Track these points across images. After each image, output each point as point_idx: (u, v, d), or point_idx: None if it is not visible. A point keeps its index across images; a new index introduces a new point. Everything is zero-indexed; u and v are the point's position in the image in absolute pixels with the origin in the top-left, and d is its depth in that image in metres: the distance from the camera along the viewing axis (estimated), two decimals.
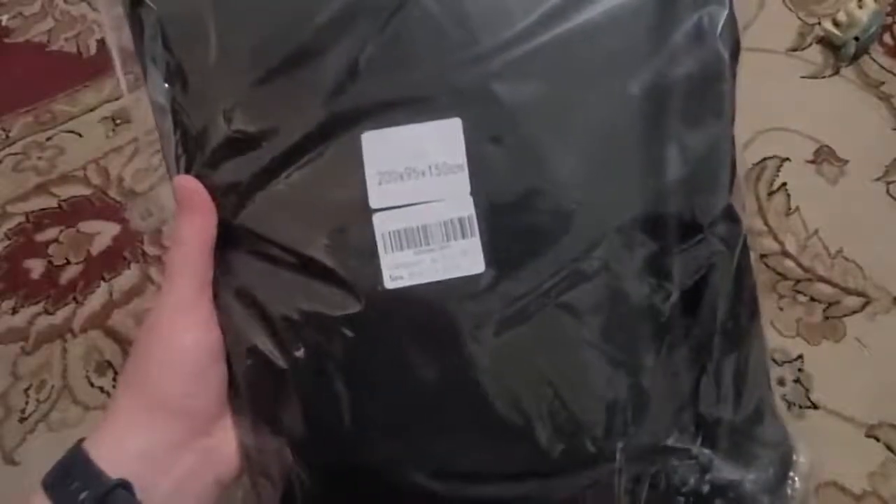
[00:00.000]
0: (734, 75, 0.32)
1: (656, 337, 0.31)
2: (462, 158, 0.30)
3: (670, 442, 0.32)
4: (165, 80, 0.32)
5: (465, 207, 0.30)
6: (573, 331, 0.31)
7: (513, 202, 0.30)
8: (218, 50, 0.31)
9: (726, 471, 0.32)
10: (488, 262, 0.30)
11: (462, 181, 0.30)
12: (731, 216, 0.32)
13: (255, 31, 0.31)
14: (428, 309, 0.30)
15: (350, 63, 0.30)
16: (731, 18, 0.31)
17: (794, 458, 0.34)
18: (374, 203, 0.30)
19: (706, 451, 0.32)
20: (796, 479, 0.34)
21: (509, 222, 0.30)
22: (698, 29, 0.31)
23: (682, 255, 0.31)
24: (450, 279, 0.30)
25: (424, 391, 0.31)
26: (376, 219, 0.30)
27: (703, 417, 0.32)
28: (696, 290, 0.32)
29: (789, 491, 0.34)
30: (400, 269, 0.30)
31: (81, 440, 0.31)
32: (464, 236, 0.30)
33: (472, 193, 0.30)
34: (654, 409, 0.31)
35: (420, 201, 0.30)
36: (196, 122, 0.32)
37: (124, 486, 0.29)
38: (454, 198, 0.30)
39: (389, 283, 0.30)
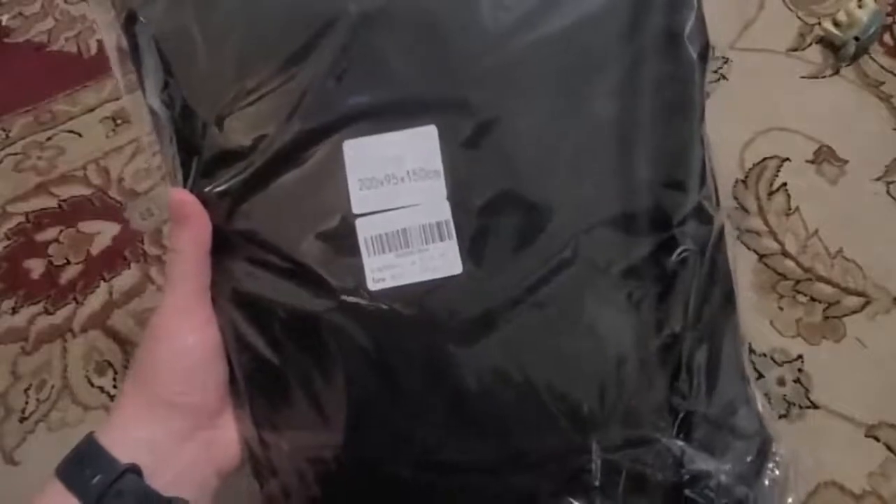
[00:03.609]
0: (704, 75, 0.33)
1: (630, 332, 0.32)
2: (438, 164, 0.31)
3: (646, 434, 0.33)
4: (162, 93, 0.33)
5: (443, 212, 0.32)
6: (548, 327, 0.32)
7: (488, 205, 0.31)
8: (207, 64, 0.32)
9: (700, 461, 0.33)
10: (465, 263, 0.31)
11: (439, 186, 0.31)
12: (701, 215, 0.33)
13: (239, 46, 0.32)
14: (410, 308, 0.31)
15: (330, 73, 0.31)
16: (700, 21, 0.32)
17: (773, 448, 0.35)
18: (356, 208, 0.31)
19: (679, 442, 0.33)
20: (775, 469, 0.34)
21: (485, 224, 0.31)
22: (667, 32, 0.32)
23: (653, 253, 0.32)
24: (429, 280, 0.31)
25: (408, 388, 0.32)
26: (359, 224, 0.31)
27: (678, 410, 0.33)
28: (667, 286, 0.32)
29: (767, 481, 0.34)
30: (382, 272, 0.31)
31: (91, 433, 0.32)
32: (441, 239, 0.31)
33: (449, 198, 0.31)
34: (629, 401, 0.32)
35: (400, 206, 0.32)
36: (191, 132, 0.33)
37: (134, 470, 0.30)
38: (432, 202, 0.32)
39: (372, 285, 0.31)
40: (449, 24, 0.31)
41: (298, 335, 0.32)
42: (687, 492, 0.33)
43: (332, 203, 0.31)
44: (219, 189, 0.33)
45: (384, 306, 0.31)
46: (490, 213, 0.31)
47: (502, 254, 0.31)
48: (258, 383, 0.34)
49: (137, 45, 0.33)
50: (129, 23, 0.33)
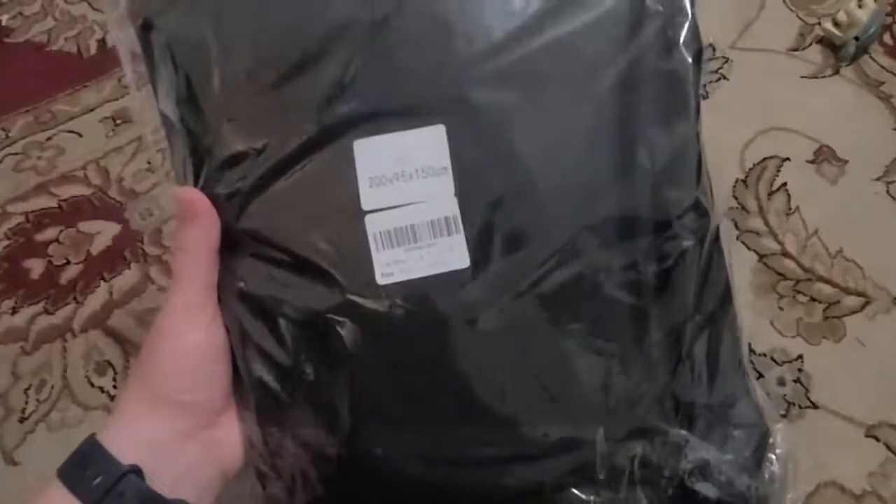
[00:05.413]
0: (698, 77, 0.34)
1: (632, 325, 0.33)
2: (447, 162, 0.32)
3: (649, 424, 0.33)
4: (175, 98, 0.34)
5: (451, 207, 0.32)
6: (553, 320, 0.32)
7: (494, 201, 0.32)
8: (220, 70, 0.33)
9: (702, 451, 0.34)
10: (473, 258, 0.32)
11: (447, 183, 0.32)
12: (698, 210, 0.34)
13: (252, 51, 0.33)
14: (418, 302, 0.32)
15: (341, 75, 0.32)
16: (694, 26, 0.33)
17: (771, 440, 0.35)
18: (365, 205, 0.32)
19: (682, 432, 0.34)
20: (775, 462, 0.35)
21: (492, 220, 0.32)
22: (663, 37, 0.33)
23: (654, 247, 0.33)
24: (437, 274, 0.32)
25: (416, 381, 0.33)
26: (368, 220, 0.32)
27: (680, 400, 0.34)
28: (667, 280, 0.33)
29: (767, 473, 0.35)
30: (391, 266, 0.32)
31: (93, 434, 0.32)
32: (449, 234, 0.32)
33: (457, 194, 0.32)
34: (632, 393, 0.33)
35: (408, 202, 0.32)
36: (202, 135, 0.33)
37: (135, 471, 0.30)
38: (440, 198, 0.32)
39: (381, 280, 0.32)
40: (456, 27, 0.32)
41: (305, 332, 0.33)
42: (689, 482, 0.33)
43: (341, 200, 0.32)
44: (229, 189, 0.33)
45: (393, 301, 0.32)
46: (497, 209, 0.32)
47: (508, 248, 0.32)
48: (263, 382, 0.34)
49: (152, 51, 0.34)
50: (145, 30, 0.34)
